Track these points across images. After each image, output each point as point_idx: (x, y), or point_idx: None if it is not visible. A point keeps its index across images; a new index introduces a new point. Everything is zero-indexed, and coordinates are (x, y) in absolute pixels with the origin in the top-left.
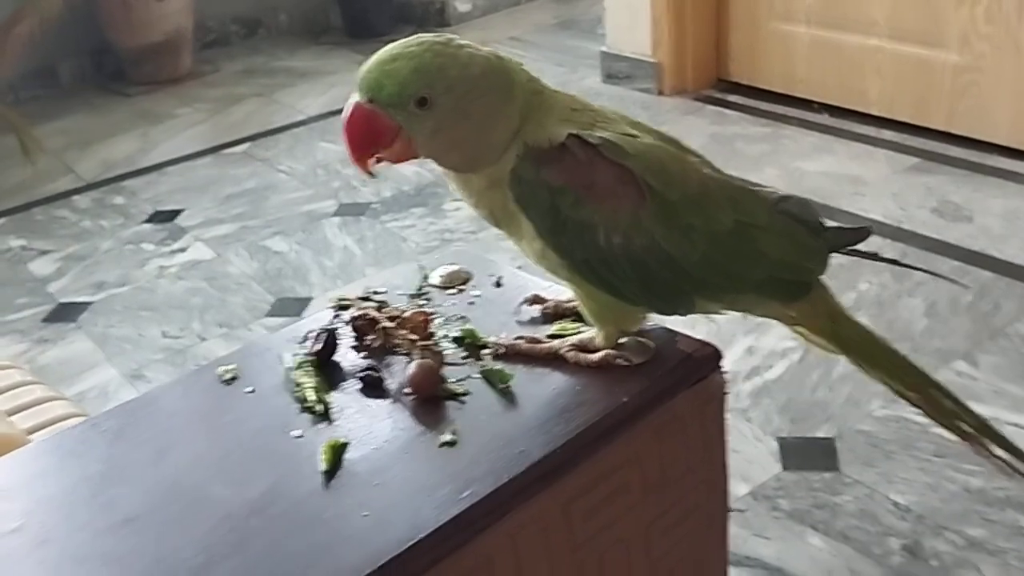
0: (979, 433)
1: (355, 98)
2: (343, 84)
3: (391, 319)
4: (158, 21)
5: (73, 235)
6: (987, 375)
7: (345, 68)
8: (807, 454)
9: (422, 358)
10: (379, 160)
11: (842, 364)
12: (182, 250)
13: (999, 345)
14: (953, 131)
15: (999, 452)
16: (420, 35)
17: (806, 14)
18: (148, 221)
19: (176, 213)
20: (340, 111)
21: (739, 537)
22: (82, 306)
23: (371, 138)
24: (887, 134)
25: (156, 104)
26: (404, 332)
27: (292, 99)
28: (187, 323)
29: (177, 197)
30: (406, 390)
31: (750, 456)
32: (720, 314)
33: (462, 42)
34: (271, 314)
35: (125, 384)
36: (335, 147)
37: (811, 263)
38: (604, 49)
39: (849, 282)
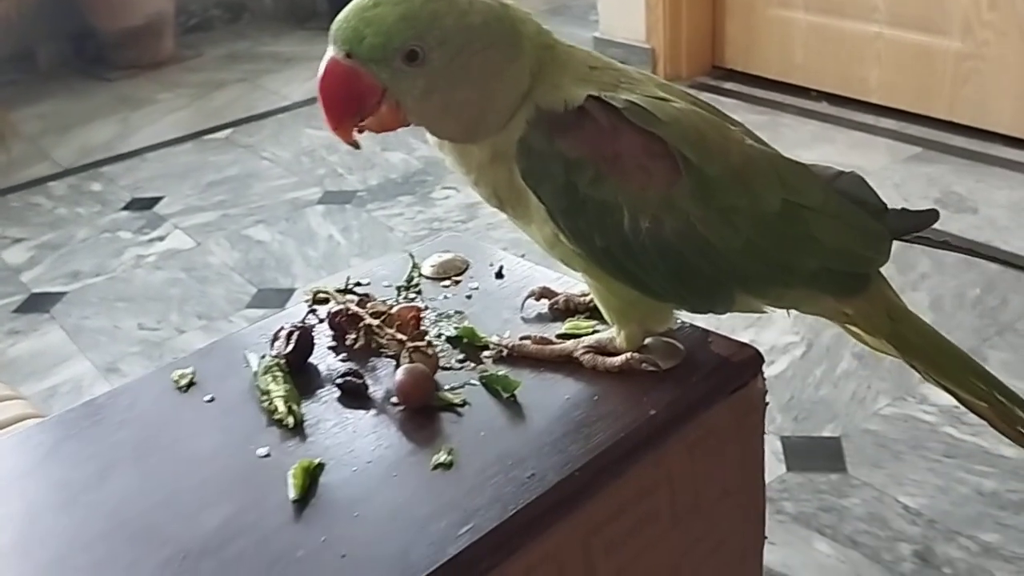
0: None
1: (331, 52)
2: None
3: (376, 315)
4: (139, 4)
5: (48, 223)
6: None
7: None
8: (812, 454)
9: (412, 362)
10: (362, 129)
11: (846, 360)
12: (161, 239)
13: (1007, 340)
14: (955, 120)
15: None
16: None
17: (804, 0)
18: (126, 208)
19: (155, 201)
20: None
21: None
22: (56, 296)
23: (351, 101)
24: (887, 123)
25: (137, 89)
26: (391, 331)
27: (276, 85)
28: (165, 315)
29: (157, 184)
30: (393, 399)
31: None
32: (761, 312)
33: None
34: (252, 305)
35: (99, 378)
36: (320, 133)
37: (871, 251)
38: (597, 35)
39: None
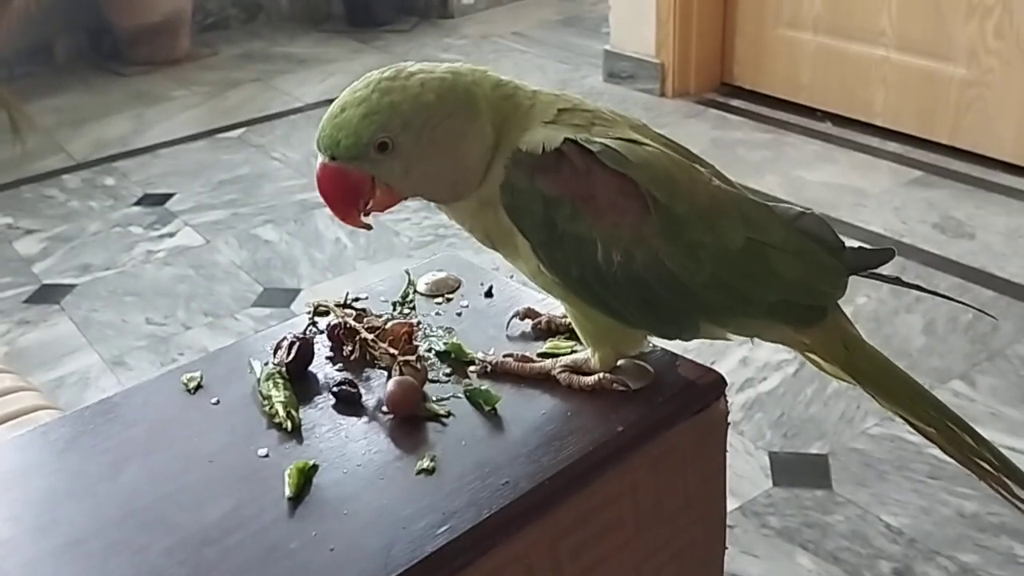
0: (999, 472)
1: (319, 159)
2: (342, 72)
3: (371, 330)
4: (157, 2)
5: (61, 215)
6: (984, 397)
7: (345, 57)
8: (799, 470)
9: (402, 375)
10: (368, 212)
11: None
12: (171, 235)
13: (997, 366)
14: (957, 145)
15: (1020, 492)
16: (368, 74)
17: (813, 21)
18: (138, 204)
19: (167, 197)
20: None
21: (727, 554)
22: (66, 288)
23: (348, 195)
24: (891, 146)
25: (152, 85)
26: (384, 345)
27: (290, 86)
28: (172, 310)
29: (169, 181)
30: (383, 409)
31: (740, 470)
32: (726, 339)
33: (413, 68)
34: (258, 304)
35: (106, 371)
36: None
37: (828, 286)
38: (607, 48)
39: (847, 296)
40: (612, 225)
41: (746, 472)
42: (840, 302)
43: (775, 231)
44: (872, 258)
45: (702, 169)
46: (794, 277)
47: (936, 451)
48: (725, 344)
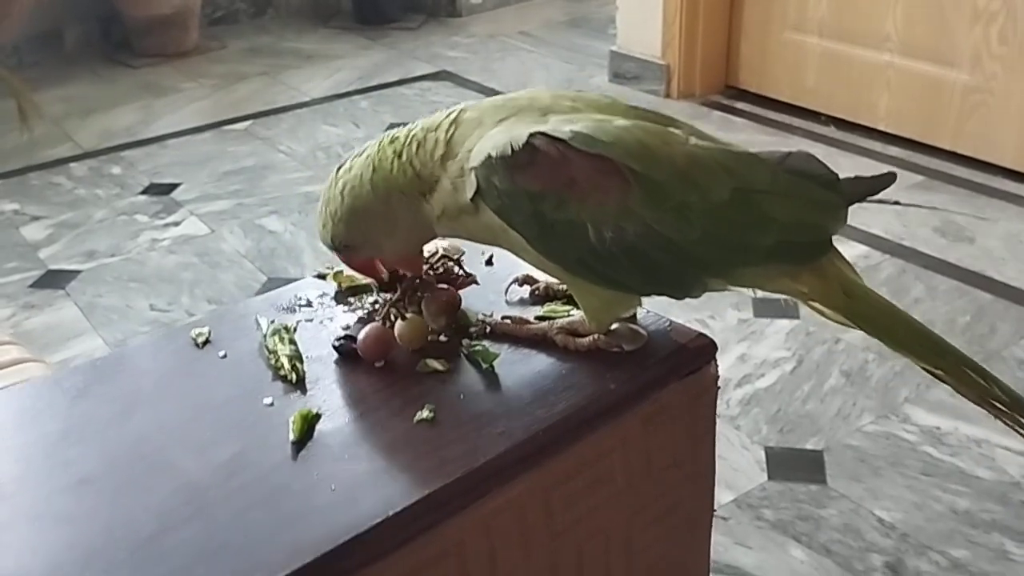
0: (1012, 409)
1: None
2: (349, 68)
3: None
4: None
5: (67, 202)
6: None
7: (352, 53)
8: (794, 465)
9: (394, 320)
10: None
11: (834, 377)
12: (176, 224)
13: (994, 368)
14: (959, 151)
15: None
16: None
17: (818, 25)
18: (144, 193)
19: (173, 187)
20: (345, 95)
21: (720, 545)
22: (71, 274)
23: (358, 268)
24: (893, 150)
25: (161, 77)
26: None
27: (297, 80)
28: (176, 297)
29: (175, 170)
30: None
31: (736, 464)
32: (728, 290)
33: (343, 171)
34: (261, 293)
35: None
36: (336, 130)
37: (825, 220)
38: (614, 49)
39: None
40: (598, 205)
41: (742, 466)
42: None
43: (761, 176)
44: (871, 185)
45: (677, 131)
46: (789, 217)
47: (931, 449)
48: (724, 341)
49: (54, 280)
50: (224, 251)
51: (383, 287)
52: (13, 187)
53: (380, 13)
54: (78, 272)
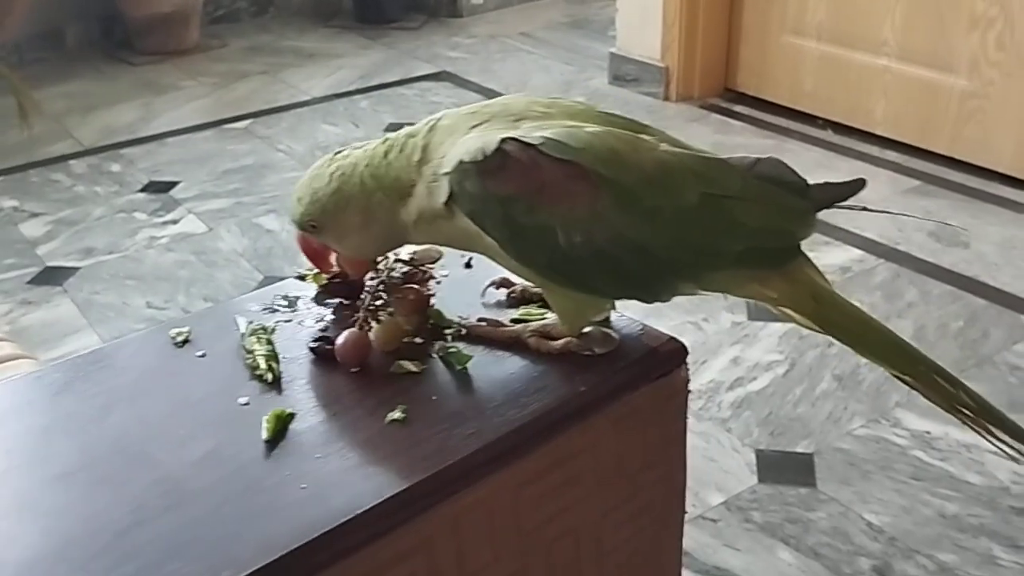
0: (980, 416)
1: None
2: (349, 67)
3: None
4: None
5: (66, 199)
6: None
7: (352, 52)
8: (784, 468)
9: (370, 325)
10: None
11: (826, 381)
12: (174, 222)
13: (986, 373)
14: (956, 156)
15: (1001, 435)
16: (328, 154)
17: (817, 29)
18: (143, 191)
19: (172, 185)
20: (345, 94)
21: (709, 547)
22: (69, 271)
23: (309, 254)
24: (890, 155)
25: (161, 75)
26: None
27: (297, 79)
28: (172, 295)
29: (174, 168)
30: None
31: (727, 466)
32: (697, 294)
33: (341, 156)
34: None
35: None
36: (336, 130)
37: (794, 226)
38: (613, 51)
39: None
40: (567, 210)
41: (732, 468)
42: None
43: (731, 182)
44: (839, 191)
45: (648, 137)
46: (757, 223)
47: (921, 453)
48: (717, 344)
49: (52, 277)
50: (221, 250)
51: (330, 283)
52: (12, 184)
53: (381, 13)
54: (76, 269)
